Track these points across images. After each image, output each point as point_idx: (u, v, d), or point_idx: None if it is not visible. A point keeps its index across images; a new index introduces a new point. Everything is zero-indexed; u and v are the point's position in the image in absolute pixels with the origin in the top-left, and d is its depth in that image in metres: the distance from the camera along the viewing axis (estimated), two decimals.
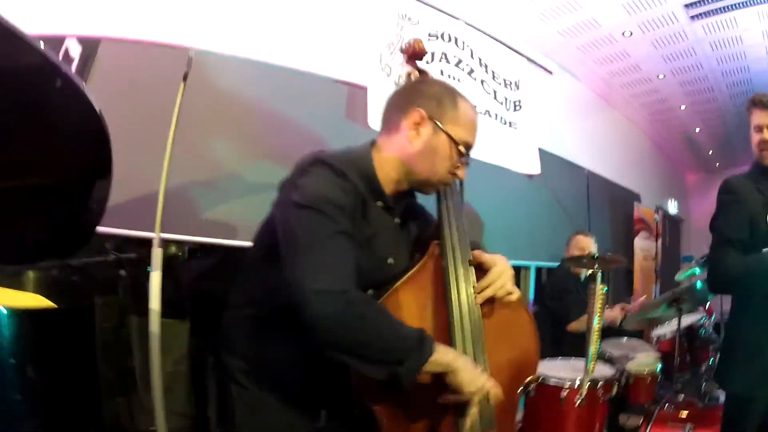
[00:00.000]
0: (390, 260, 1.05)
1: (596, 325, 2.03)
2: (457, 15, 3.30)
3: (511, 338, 1.10)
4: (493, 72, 3.55)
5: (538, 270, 3.96)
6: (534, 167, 3.75)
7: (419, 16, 3.08)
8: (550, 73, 4.30)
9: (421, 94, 1.02)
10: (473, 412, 0.93)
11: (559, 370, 2.15)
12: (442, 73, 3.13)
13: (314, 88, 2.45)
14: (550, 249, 3.70)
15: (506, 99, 3.63)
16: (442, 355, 0.90)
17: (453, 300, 1.00)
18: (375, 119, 2.45)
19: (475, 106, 1.09)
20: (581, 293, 2.82)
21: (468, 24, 3.36)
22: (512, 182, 3.70)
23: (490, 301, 1.05)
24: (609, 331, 3.00)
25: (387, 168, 1.00)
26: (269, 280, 0.94)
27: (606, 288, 2.06)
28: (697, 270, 3.51)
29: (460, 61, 3.27)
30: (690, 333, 3.06)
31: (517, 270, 4.02)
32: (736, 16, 3.74)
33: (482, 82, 3.42)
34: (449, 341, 0.98)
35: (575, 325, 2.79)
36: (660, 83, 4.96)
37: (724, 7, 3.65)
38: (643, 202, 5.71)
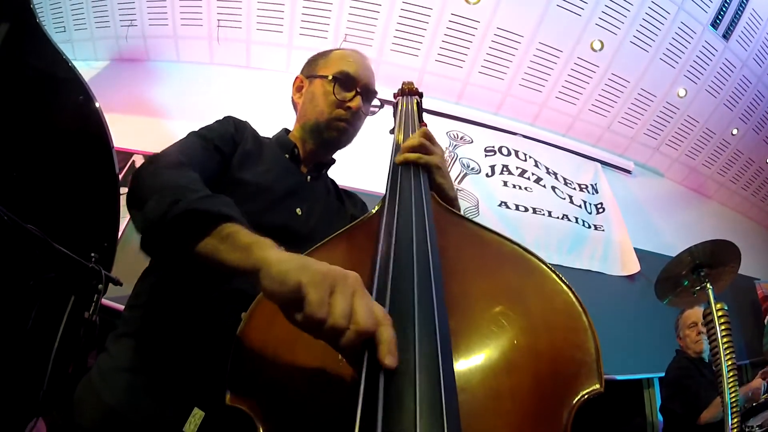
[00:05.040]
0: (298, 210, 0.94)
1: (726, 357, 1.45)
2: (515, 129, 3.31)
3: (529, 317, 0.56)
4: (564, 178, 3.50)
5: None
6: (631, 266, 3.45)
7: (473, 134, 3.14)
8: (629, 172, 4.18)
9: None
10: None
11: None
12: (505, 184, 3.08)
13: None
14: (672, 355, 3.11)
15: (585, 202, 3.50)
16: (237, 230, 0.57)
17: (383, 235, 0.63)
18: None
19: (357, 51, 1.06)
20: (707, 374, 2.24)
21: (526, 137, 3.36)
22: (612, 287, 3.37)
23: (466, 248, 0.67)
24: (753, 411, 2.28)
25: (295, 135, 1.05)
26: None
27: (726, 306, 1.50)
28: None
29: (524, 172, 3.25)
30: None
31: (638, 385, 3.48)
32: None
33: (553, 188, 3.34)
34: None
35: (708, 413, 2.11)
36: (737, 141, 4.49)
37: None
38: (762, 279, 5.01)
